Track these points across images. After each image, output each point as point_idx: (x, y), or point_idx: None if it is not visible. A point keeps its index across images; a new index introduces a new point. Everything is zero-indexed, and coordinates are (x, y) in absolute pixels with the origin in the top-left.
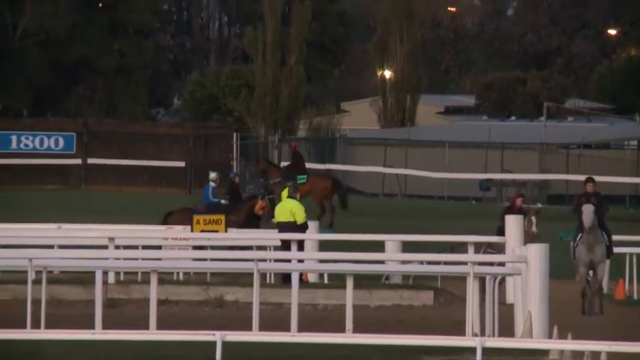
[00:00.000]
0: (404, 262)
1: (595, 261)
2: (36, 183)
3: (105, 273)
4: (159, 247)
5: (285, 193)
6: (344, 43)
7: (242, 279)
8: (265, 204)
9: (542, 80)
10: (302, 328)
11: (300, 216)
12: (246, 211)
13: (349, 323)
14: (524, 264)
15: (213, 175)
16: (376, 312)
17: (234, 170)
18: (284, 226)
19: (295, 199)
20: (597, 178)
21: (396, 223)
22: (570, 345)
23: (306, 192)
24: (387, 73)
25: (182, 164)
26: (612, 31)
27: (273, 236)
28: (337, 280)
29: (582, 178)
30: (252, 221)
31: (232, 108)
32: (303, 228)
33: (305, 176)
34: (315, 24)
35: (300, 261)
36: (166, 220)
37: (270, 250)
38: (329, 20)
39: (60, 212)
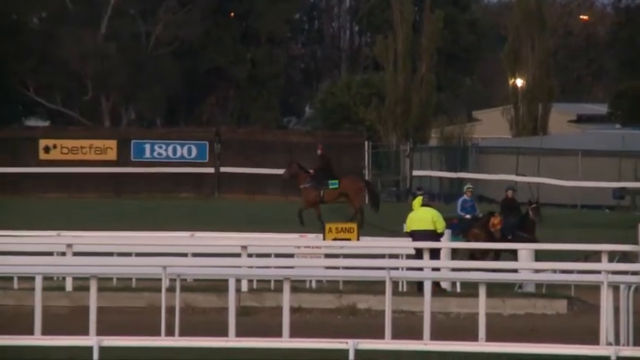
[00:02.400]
0: (537, 271)
1: None
2: (169, 191)
3: (238, 281)
4: (291, 256)
5: (418, 201)
6: (475, 51)
7: (374, 287)
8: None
9: None
10: (434, 337)
11: (441, 224)
12: (482, 226)
13: (482, 332)
14: None
15: (467, 186)
16: (509, 320)
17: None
18: (421, 235)
19: (431, 206)
20: None
21: None
22: None
23: (339, 195)
24: (519, 82)
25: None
26: None
27: (405, 244)
28: (470, 289)
29: None
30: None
31: (363, 117)
32: (440, 236)
33: (337, 181)
34: (446, 32)
35: (435, 269)
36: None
37: (402, 258)
38: (460, 28)
39: (193, 220)
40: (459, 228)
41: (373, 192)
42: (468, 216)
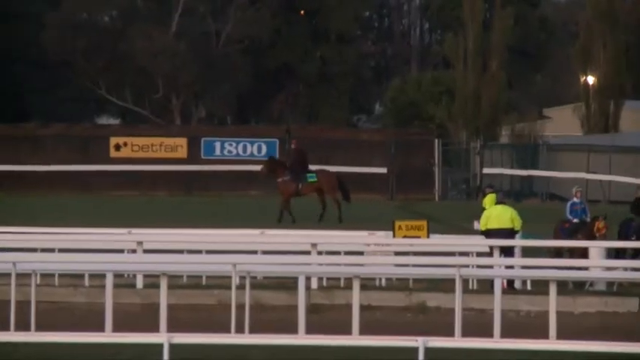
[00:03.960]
0: (608, 269)
1: None
2: (239, 189)
3: (308, 278)
4: (361, 253)
5: (491, 199)
6: (546, 48)
7: (444, 285)
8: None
9: None
10: (504, 335)
11: (518, 222)
12: (588, 231)
13: (552, 330)
14: None
15: (576, 187)
16: (580, 319)
17: (437, 175)
18: (500, 233)
19: (506, 204)
20: None
21: None
22: None
23: (316, 189)
24: (590, 79)
25: (384, 170)
26: None
27: (476, 242)
28: (540, 287)
29: None
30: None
31: (433, 114)
32: (515, 234)
33: (314, 174)
34: (517, 29)
35: (509, 267)
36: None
37: (472, 256)
38: (530, 25)
39: (263, 218)
40: (566, 232)
41: (344, 185)
42: (576, 220)
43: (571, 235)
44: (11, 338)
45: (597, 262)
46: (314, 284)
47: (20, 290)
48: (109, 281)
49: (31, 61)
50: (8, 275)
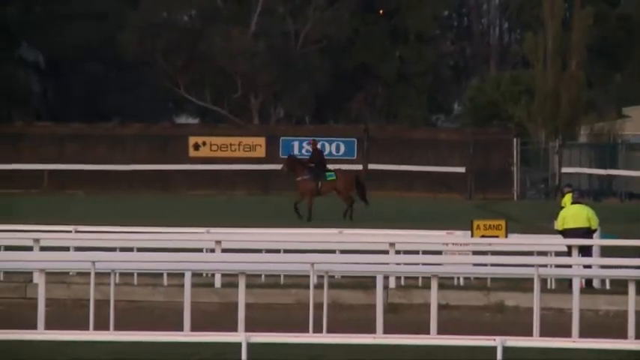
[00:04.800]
0: None
1: None
2: None
3: (385, 278)
4: (439, 252)
5: (568, 199)
6: (626, 47)
7: (523, 284)
8: None
9: None
10: (583, 334)
11: (595, 221)
12: None
13: (631, 329)
14: None
15: None
16: None
17: (516, 175)
18: (577, 232)
19: (582, 203)
20: None
21: None
22: None
23: (334, 188)
24: None
25: (462, 170)
26: None
27: (554, 241)
28: (620, 286)
29: None
30: None
31: (512, 114)
32: (593, 233)
33: (333, 173)
34: (596, 28)
35: (587, 267)
36: None
37: (550, 255)
38: (610, 24)
39: (341, 217)
40: None
41: (361, 185)
42: None
43: None
44: (90, 337)
45: None
46: (392, 283)
47: (99, 289)
48: (188, 280)
49: (110, 61)
50: (87, 274)
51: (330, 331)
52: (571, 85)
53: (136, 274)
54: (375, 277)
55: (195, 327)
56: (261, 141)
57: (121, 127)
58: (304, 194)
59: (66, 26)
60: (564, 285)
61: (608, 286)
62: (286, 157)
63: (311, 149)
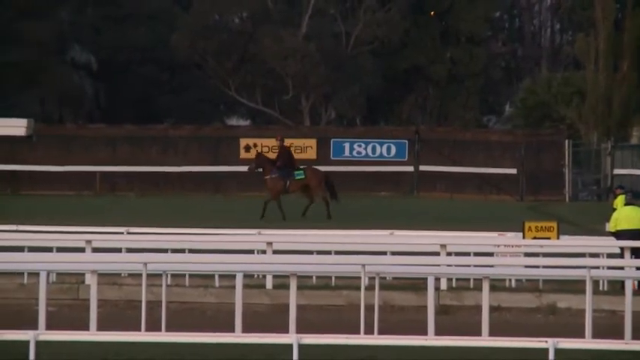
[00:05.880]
0: None
1: None
2: (368, 190)
3: (437, 279)
4: (490, 254)
5: (622, 200)
6: None
7: (575, 286)
8: None
9: None
10: (636, 336)
11: None
12: None
13: None
14: None
15: None
16: None
17: (567, 176)
18: (630, 234)
19: (635, 205)
20: None
21: None
22: None
23: (303, 186)
24: None
25: (513, 171)
26: None
27: (606, 243)
28: None
29: None
30: None
31: (564, 115)
32: None
33: (302, 171)
34: None
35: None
36: None
37: (602, 257)
38: None
39: (392, 219)
40: None
41: (331, 184)
42: None
43: None
44: (142, 338)
45: None
46: (443, 285)
47: (151, 291)
48: (239, 282)
49: (162, 63)
50: (139, 276)
51: (381, 332)
52: (623, 86)
53: (187, 276)
54: (426, 279)
55: (247, 328)
56: (312, 142)
57: (172, 128)
58: (273, 192)
59: (118, 28)
60: (617, 287)
61: None
62: (256, 154)
63: (278, 146)
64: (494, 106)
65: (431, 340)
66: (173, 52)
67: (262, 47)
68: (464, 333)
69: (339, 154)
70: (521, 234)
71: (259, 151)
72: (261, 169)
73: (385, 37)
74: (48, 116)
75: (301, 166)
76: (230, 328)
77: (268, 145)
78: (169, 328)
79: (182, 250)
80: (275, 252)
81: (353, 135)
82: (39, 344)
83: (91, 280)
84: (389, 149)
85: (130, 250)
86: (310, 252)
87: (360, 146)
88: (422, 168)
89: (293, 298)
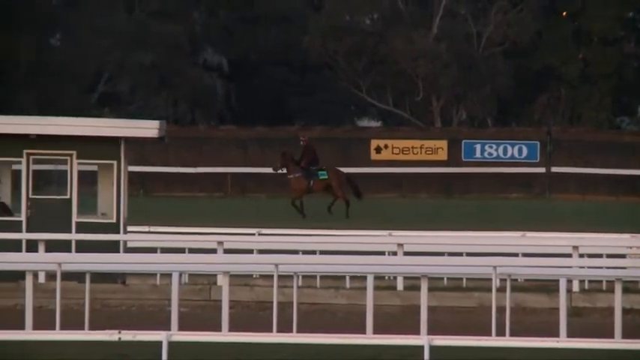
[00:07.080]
0: None
1: None
2: (499, 192)
3: (569, 281)
4: (623, 256)
5: None
6: None
7: None
8: None
9: None
10: None
11: None
12: None
13: None
14: None
15: None
16: None
17: None
18: None
19: None
20: None
21: None
22: None
23: (327, 186)
24: None
25: None
26: None
27: None
28: None
29: None
30: None
31: None
32: None
33: (325, 171)
34: None
35: None
36: None
37: None
38: None
39: (524, 220)
40: None
41: (353, 182)
42: None
43: None
44: (273, 339)
45: None
46: (575, 287)
47: (282, 292)
48: (370, 283)
49: (293, 64)
50: (270, 277)
51: (512, 334)
52: None
53: (318, 277)
54: (557, 281)
55: (378, 330)
56: (442, 144)
57: (303, 130)
58: (297, 192)
59: (250, 29)
60: None
61: None
62: (281, 153)
63: (302, 146)
64: (627, 107)
65: (563, 342)
66: (305, 53)
67: (393, 48)
68: (596, 335)
69: (471, 155)
70: None
71: (285, 150)
72: (284, 169)
73: (517, 38)
74: (180, 118)
75: (324, 167)
76: (361, 330)
77: (399, 147)
78: (300, 329)
79: (313, 252)
80: (406, 253)
81: (484, 136)
82: (171, 345)
83: (222, 281)
84: (520, 150)
85: (261, 252)
86: (441, 253)
87: (491, 147)
88: (554, 169)
89: (424, 300)
